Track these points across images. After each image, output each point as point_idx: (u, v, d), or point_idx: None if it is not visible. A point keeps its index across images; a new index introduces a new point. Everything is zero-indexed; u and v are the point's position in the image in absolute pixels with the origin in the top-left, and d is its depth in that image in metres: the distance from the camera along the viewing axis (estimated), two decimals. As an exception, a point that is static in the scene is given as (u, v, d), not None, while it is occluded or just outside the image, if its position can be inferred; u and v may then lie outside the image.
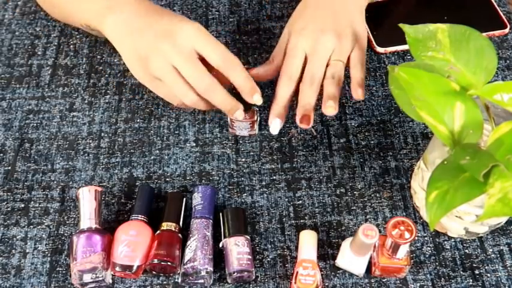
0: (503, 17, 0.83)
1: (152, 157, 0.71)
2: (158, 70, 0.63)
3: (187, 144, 0.72)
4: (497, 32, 0.82)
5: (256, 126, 0.71)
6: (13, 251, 0.64)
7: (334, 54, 0.67)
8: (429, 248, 0.64)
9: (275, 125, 0.67)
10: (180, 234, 0.62)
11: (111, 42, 0.69)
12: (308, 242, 0.61)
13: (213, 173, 0.70)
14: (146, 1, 0.69)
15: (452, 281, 0.61)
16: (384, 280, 0.62)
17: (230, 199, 0.68)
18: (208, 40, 0.64)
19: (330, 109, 0.65)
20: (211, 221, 0.63)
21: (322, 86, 0.67)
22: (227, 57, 0.64)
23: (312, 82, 0.66)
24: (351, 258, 0.60)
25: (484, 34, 0.81)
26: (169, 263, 0.60)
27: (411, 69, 0.52)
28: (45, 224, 0.66)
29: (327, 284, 0.61)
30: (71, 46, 0.82)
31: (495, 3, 0.84)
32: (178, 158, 0.71)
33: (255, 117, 0.69)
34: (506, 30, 0.82)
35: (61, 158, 0.71)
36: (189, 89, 0.64)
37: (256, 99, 0.65)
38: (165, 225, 0.62)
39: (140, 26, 0.65)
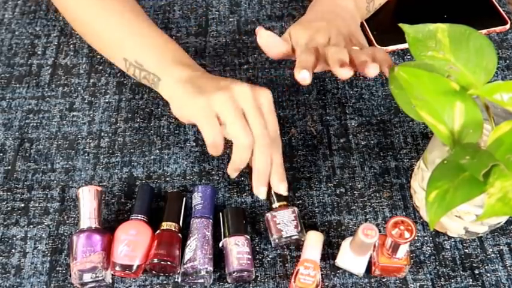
0: (503, 13, 0.83)
1: (152, 157, 0.71)
2: (225, 102, 0.60)
3: (187, 144, 0.72)
4: (498, 29, 0.82)
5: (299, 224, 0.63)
6: (13, 250, 0.64)
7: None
8: (429, 248, 0.64)
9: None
10: (180, 234, 0.62)
11: (167, 86, 0.64)
12: (314, 243, 0.61)
13: (213, 172, 0.70)
14: None
15: (452, 280, 0.61)
16: (383, 280, 0.62)
17: (230, 199, 0.68)
18: (272, 109, 0.63)
19: (345, 71, 0.58)
20: (211, 220, 0.63)
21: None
22: (277, 135, 0.63)
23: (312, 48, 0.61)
24: (350, 258, 0.60)
25: (485, 31, 0.81)
26: (169, 263, 0.60)
27: (411, 69, 0.52)
28: (45, 223, 0.66)
29: (326, 283, 0.61)
30: (71, 46, 0.82)
31: (494, 0, 0.85)
32: (178, 158, 0.71)
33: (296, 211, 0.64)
34: (507, 26, 0.82)
35: (61, 158, 0.71)
36: (250, 132, 0.60)
37: (282, 189, 0.63)
38: (165, 225, 0.62)
39: (212, 80, 0.63)
